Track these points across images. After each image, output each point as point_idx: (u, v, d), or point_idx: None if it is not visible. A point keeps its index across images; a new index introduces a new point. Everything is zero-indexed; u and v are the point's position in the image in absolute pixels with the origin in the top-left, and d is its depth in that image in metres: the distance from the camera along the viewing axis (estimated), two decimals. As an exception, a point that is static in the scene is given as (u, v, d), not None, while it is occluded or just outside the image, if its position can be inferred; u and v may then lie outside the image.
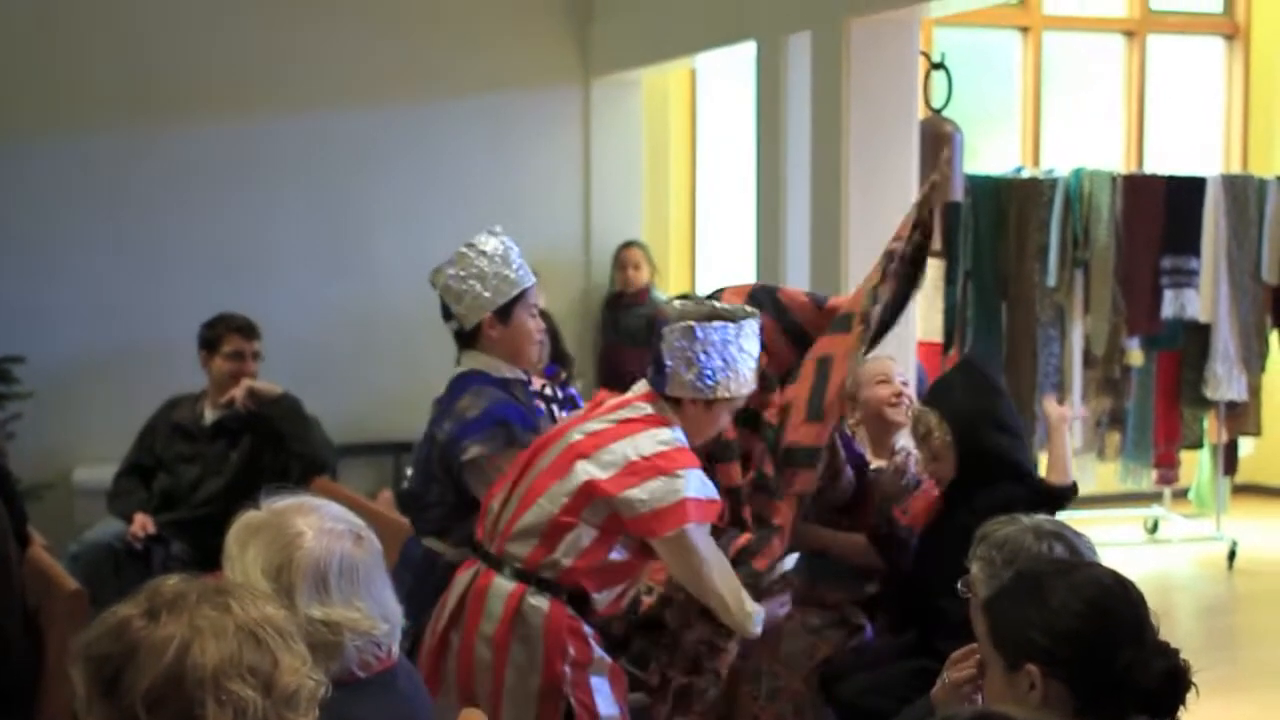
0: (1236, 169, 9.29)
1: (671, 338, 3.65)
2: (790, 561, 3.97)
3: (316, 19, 7.73)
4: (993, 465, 4.10)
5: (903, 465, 4.37)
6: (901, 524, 4.30)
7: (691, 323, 3.64)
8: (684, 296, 4.18)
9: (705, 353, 3.64)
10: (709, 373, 3.65)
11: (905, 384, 4.70)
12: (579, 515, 3.58)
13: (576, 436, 3.69)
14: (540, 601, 3.60)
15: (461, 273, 4.01)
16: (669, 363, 3.66)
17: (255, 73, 7.66)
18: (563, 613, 3.60)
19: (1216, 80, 9.74)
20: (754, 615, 3.72)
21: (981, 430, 4.13)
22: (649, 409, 3.71)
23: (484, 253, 4.02)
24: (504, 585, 3.63)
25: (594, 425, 3.70)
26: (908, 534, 4.29)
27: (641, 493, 3.55)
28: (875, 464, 4.58)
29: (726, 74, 8.26)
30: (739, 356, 3.70)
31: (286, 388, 5.80)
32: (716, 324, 3.66)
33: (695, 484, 3.60)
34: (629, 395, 3.80)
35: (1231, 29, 9.67)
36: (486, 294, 4.00)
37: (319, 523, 2.48)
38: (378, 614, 2.51)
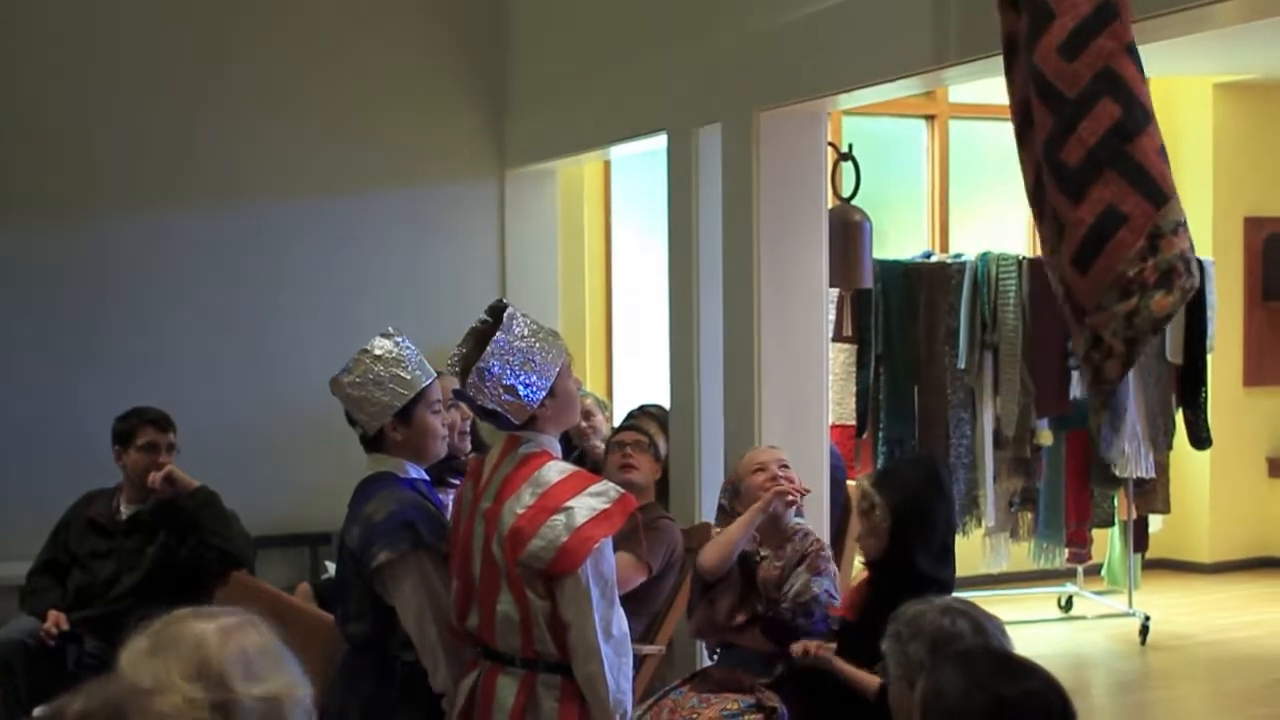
0: (1139, 251, 9.50)
1: (476, 391, 3.66)
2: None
3: (237, 113, 7.77)
4: (910, 576, 4.14)
5: (792, 562, 4.49)
6: (783, 607, 4.39)
7: (476, 366, 3.63)
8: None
9: (507, 370, 3.64)
10: (525, 380, 3.66)
11: (785, 466, 4.80)
12: (526, 593, 3.62)
13: (479, 527, 3.73)
14: (552, 681, 3.65)
15: (358, 379, 3.98)
16: (496, 407, 3.67)
17: (173, 165, 7.67)
18: (574, 691, 3.63)
19: (1117, 165, 9.97)
20: (621, 712, 3.63)
21: (913, 541, 4.19)
22: (519, 453, 3.74)
23: (378, 357, 3.99)
24: (512, 674, 3.69)
25: (485, 502, 3.74)
26: (789, 616, 4.37)
27: (539, 540, 3.57)
28: (764, 551, 4.68)
29: (641, 162, 8.37)
30: (523, 344, 3.68)
31: (203, 480, 5.77)
32: (489, 346, 3.65)
33: (584, 508, 3.60)
34: (497, 453, 3.81)
35: (1131, 116, 9.91)
36: (385, 398, 3.97)
37: (211, 620, 2.42)
38: (299, 679, 2.49)
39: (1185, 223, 3.64)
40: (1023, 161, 4.00)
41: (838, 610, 4.44)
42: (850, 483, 5.62)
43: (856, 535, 6.78)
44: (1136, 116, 3.62)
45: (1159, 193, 3.60)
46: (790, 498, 4.68)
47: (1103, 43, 3.63)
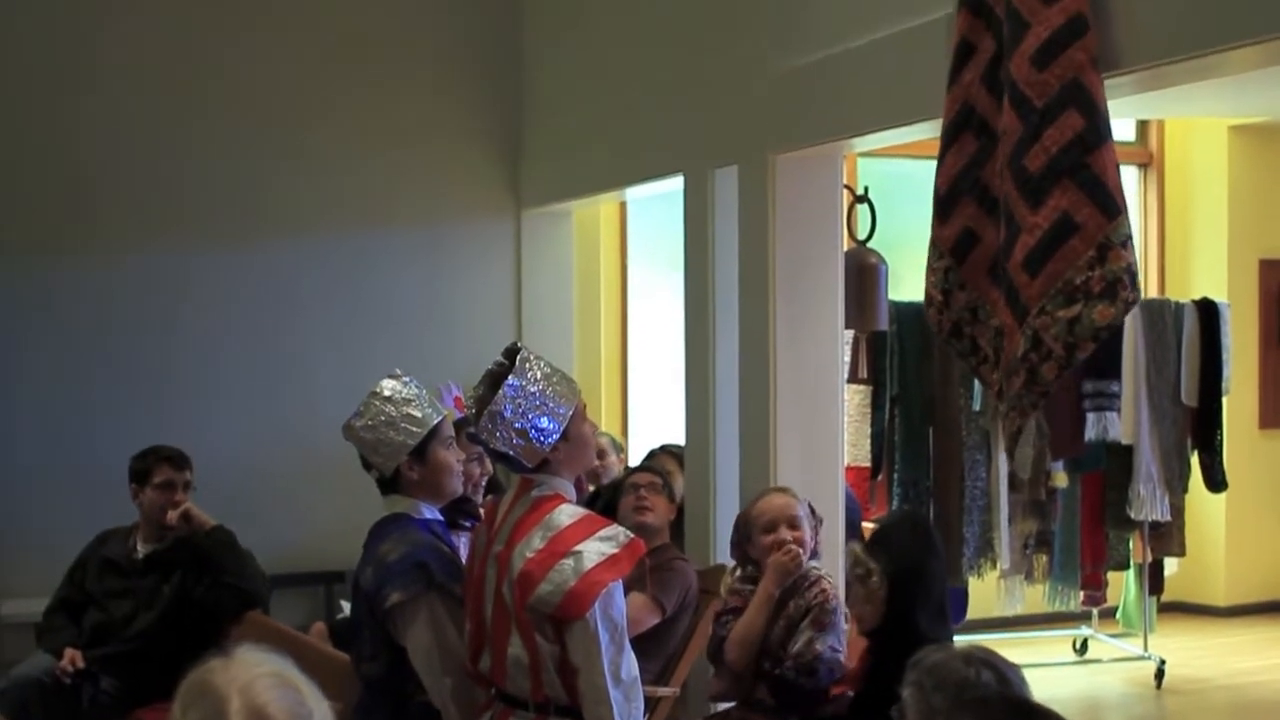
0: (1153, 293, 9.49)
1: (488, 434, 3.69)
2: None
3: (255, 151, 7.82)
4: (911, 639, 4.11)
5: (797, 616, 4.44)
6: (786, 666, 4.33)
7: (489, 409, 3.67)
8: None
9: (519, 414, 3.67)
10: (536, 424, 3.69)
11: (794, 526, 4.59)
12: (535, 637, 3.63)
13: (491, 570, 3.75)
14: None
15: (370, 422, 4.03)
16: (509, 450, 3.70)
17: (189, 202, 7.72)
18: None
19: (1132, 207, 9.93)
20: None
21: (913, 604, 4.16)
22: (531, 495, 3.77)
23: (388, 398, 4.04)
24: (523, 718, 3.70)
25: (498, 546, 3.76)
26: (794, 675, 4.31)
27: (547, 584, 3.59)
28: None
29: (657, 203, 8.39)
30: (536, 388, 3.71)
31: (219, 518, 5.77)
32: (501, 389, 3.68)
33: (593, 552, 3.61)
34: (509, 496, 3.85)
35: (1145, 157, 9.94)
36: (399, 438, 4.02)
37: (258, 713, 2.19)
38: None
39: (1131, 238, 3.80)
40: (944, 162, 4.13)
41: (841, 688, 4.38)
42: (867, 524, 5.60)
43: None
44: (1099, 129, 3.77)
45: (1112, 205, 3.76)
46: (799, 561, 4.54)
47: (1073, 54, 3.78)
